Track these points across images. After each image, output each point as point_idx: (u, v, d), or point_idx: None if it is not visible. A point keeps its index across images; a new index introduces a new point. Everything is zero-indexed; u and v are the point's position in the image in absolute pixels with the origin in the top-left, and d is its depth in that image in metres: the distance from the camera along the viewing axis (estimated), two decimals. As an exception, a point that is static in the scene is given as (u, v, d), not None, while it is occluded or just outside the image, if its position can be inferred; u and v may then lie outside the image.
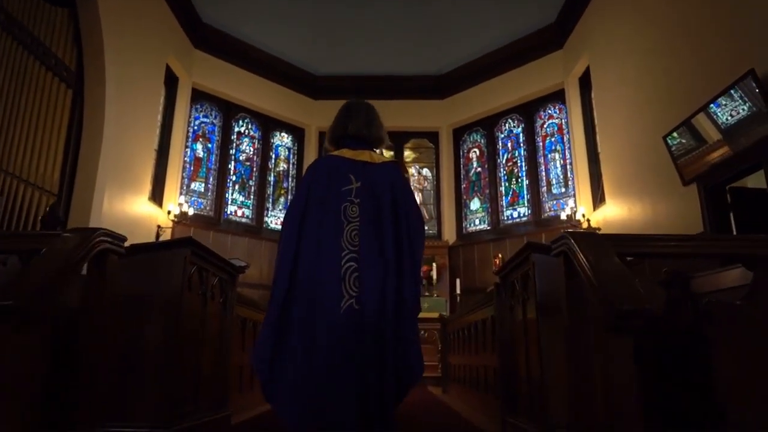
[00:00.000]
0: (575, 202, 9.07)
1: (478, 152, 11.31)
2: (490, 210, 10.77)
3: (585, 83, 9.37)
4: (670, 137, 5.88)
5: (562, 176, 9.83)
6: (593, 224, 7.97)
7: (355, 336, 1.90)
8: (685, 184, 5.75)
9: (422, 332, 7.97)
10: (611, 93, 7.91)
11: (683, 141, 5.68)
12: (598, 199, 8.73)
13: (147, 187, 8.17)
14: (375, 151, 2.23)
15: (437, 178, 11.66)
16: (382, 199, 2.06)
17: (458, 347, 5.00)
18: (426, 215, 11.53)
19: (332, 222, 2.00)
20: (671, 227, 6.04)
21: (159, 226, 8.41)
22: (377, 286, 1.95)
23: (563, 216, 8.74)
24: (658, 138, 6.21)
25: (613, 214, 7.78)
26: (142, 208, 7.92)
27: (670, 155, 5.92)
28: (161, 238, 8.38)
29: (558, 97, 10.02)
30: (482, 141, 11.26)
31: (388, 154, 11.69)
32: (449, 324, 5.70)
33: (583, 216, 8.57)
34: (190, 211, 8.77)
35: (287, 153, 11.53)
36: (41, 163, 6.06)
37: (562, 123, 9.98)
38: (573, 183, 9.46)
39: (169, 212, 8.57)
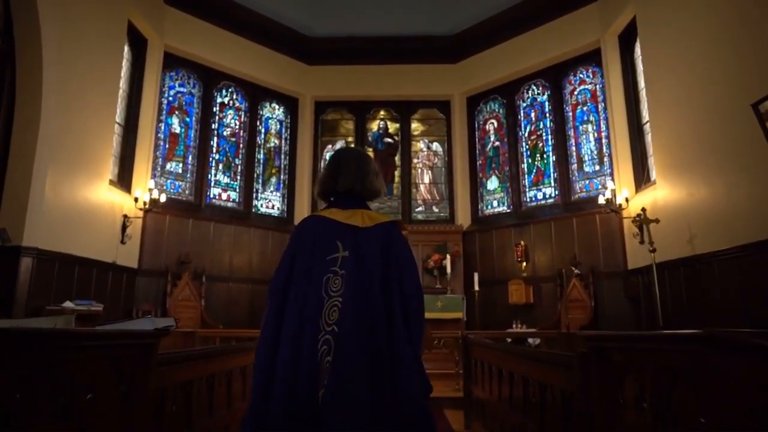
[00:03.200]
0: (614, 182, 7.70)
1: (496, 124, 9.92)
2: (510, 190, 9.45)
3: (627, 41, 7.92)
4: (763, 105, 4.52)
5: (596, 152, 8.46)
6: (645, 213, 6.54)
7: None
8: (784, 165, 4.42)
9: (436, 341, 6.79)
10: (666, 51, 6.49)
11: (785, 109, 4.32)
12: (643, 179, 7.38)
13: (108, 169, 6.87)
14: (369, 208, 1.96)
15: (449, 153, 10.31)
16: (372, 270, 1.77)
17: (490, 387, 3.77)
18: (437, 196, 10.25)
19: (313, 297, 1.75)
20: (759, 219, 4.73)
21: (126, 216, 7.14)
22: (358, 378, 1.63)
23: (601, 199, 7.40)
24: (739, 106, 4.87)
25: (665, 197, 6.45)
26: (101, 194, 6.64)
27: (761, 128, 4.57)
28: (128, 230, 7.14)
29: (592, 58, 8.56)
30: (501, 111, 9.86)
31: (393, 127, 10.36)
32: (474, 347, 4.47)
33: (627, 200, 7.24)
34: (162, 198, 7.47)
35: (279, 127, 10.17)
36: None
37: (596, 89, 8.56)
38: (610, 160, 8.10)
39: (136, 199, 7.28)
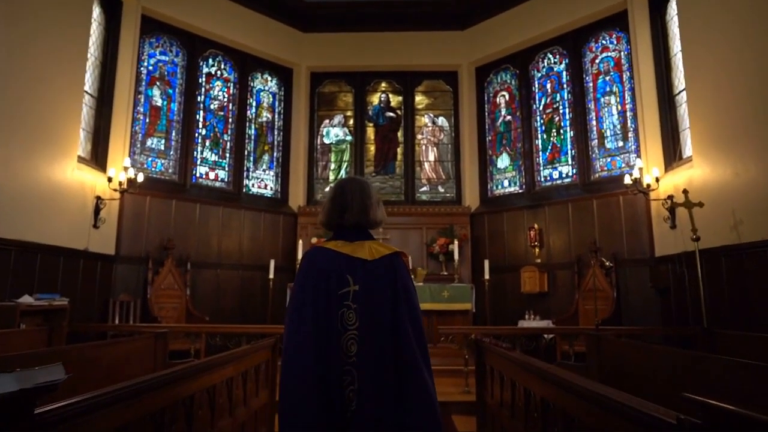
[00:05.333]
0: (640, 159, 6.93)
1: (507, 96, 9.11)
2: (522, 169, 8.69)
3: (658, 1, 7.06)
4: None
5: (619, 126, 7.67)
6: (687, 195, 5.67)
7: None
8: None
9: (443, 338, 6.12)
10: (708, 9, 5.67)
11: None
12: (675, 157, 6.62)
13: (76, 144, 6.14)
14: (373, 238, 2.03)
15: (456, 129, 9.53)
16: (382, 302, 1.86)
17: (512, 408, 3.11)
18: (442, 174, 9.50)
19: (332, 331, 1.83)
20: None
21: (99, 198, 6.44)
22: (383, 398, 1.76)
23: (627, 179, 6.63)
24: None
25: (703, 177, 5.70)
26: (68, 173, 5.93)
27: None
28: (102, 213, 6.44)
29: (616, 21, 7.72)
30: (513, 82, 9.04)
31: (395, 100, 9.60)
32: (489, 354, 3.80)
33: (657, 180, 6.49)
34: (140, 177, 6.74)
35: (271, 99, 9.38)
36: None
37: (620, 56, 7.73)
38: (635, 135, 7.33)
39: (109, 179, 6.56)
